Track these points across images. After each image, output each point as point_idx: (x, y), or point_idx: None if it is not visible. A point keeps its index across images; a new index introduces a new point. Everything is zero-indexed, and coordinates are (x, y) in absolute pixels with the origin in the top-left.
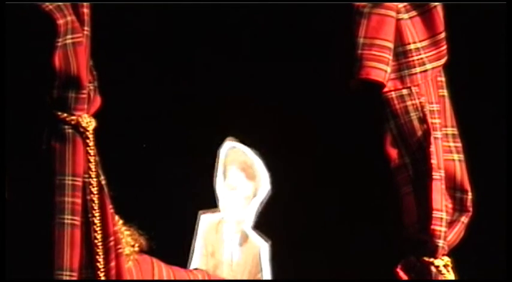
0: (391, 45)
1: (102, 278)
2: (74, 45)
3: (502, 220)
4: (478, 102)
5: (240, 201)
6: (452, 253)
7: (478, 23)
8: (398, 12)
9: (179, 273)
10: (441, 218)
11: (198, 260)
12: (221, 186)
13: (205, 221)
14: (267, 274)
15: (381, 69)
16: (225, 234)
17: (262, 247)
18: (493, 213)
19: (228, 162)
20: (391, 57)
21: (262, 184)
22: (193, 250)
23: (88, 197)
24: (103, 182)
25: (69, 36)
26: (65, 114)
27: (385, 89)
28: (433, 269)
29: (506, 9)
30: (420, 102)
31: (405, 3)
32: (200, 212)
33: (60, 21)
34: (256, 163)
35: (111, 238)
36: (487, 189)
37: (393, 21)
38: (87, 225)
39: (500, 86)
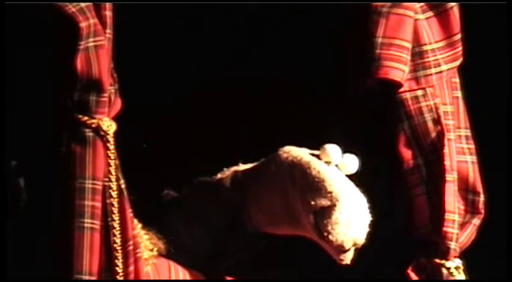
0: (409, 45)
1: None
2: (96, 48)
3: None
4: (491, 103)
5: None
6: (464, 255)
7: (494, 24)
8: (415, 12)
9: (196, 275)
10: (453, 220)
11: None
12: None
13: None
14: None
15: (399, 69)
16: None
17: None
18: (504, 215)
19: None
20: (409, 58)
21: None
22: None
23: (108, 201)
24: (123, 186)
25: (91, 39)
26: (86, 118)
27: (400, 90)
28: (444, 270)
29: (507, 8)
30: (435, 104)
31: (422, 4)
32: None
33: (83, 24)
34: None
35: (130, 242)
36: (499, 191)
37: (411, 21)
38: (106, 229)
39: (502, 86)
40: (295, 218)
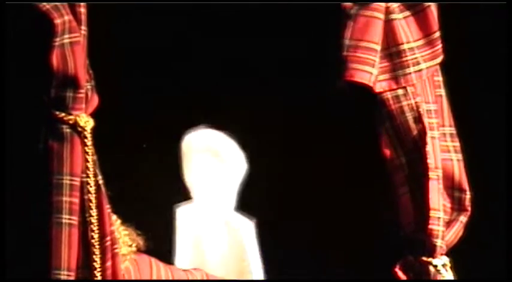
0: (377, 47)
1: (99, 278)
2: (72, 44)
3: (501, 219)
4: (476, 101)
5: (214, 187)
6: (451, 253)
7: (477, 21)
8: (390, 12)
9: (177, 272)
10: (438, 218)
11: (182, 255)
12: (191, 175)
13: (183, 213)
14: (253, 253)
15: (365, 71)
16: (205, 223)
17: (243, 228)
18: (491, 212)
19: (193, 150)
20: (377, 59)
21: (237, 165)
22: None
23: (85, 197)
24: (100, 182)
25: (66, 36)
26: (63, 114)
27: (380, 90)
28: (431, 268)
29: (507, 8)
30: (416, 102)
31: (399, 3)
32: (175, 205)
33: (58, 21)
34: (226, 145)
35: (108, 238)
36: (485, 188)
37: (380, 23)
38: (84, 224)
39: (500, 85)
40: None
